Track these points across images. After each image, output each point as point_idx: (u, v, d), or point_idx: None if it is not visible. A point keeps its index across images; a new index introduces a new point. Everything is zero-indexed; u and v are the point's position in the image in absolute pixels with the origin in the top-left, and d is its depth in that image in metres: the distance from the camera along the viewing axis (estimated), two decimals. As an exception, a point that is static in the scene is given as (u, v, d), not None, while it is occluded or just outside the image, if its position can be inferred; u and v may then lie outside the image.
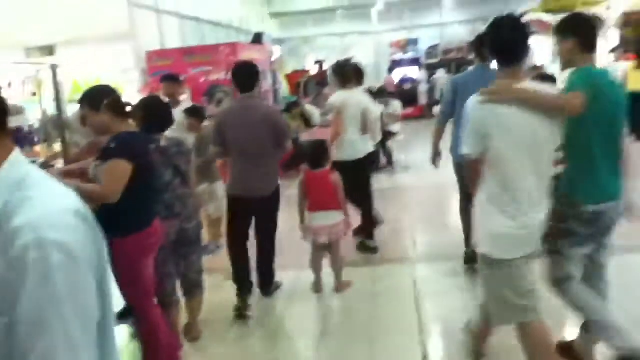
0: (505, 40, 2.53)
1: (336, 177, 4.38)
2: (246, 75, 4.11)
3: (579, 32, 2.78)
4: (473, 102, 2.55)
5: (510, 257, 2.54)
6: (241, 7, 14.75)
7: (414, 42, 18.33)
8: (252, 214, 4.19)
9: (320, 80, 13.82)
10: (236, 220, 4.19)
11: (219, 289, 4.43)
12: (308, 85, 13.48)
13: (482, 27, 12.96)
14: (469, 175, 2.79)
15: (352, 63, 6.03)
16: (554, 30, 2.91)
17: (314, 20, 19.48)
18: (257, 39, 11.61)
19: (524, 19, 11.62)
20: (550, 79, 4.90)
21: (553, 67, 11.62)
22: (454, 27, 18.81)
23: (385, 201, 6.59)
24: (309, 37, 19.55)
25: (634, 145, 7.80)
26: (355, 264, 4.91)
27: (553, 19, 11.23)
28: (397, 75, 17.72)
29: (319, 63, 15.84)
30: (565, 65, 2.87)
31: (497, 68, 2.71)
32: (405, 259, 5.11)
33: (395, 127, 9.43)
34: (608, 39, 11.52)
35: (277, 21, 19.02)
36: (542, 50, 12.14)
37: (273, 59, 11.94)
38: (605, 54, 11.42)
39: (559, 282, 2.86)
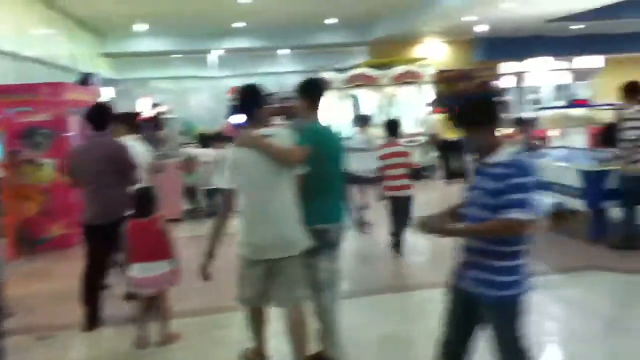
0: (242, 101, 3.53)
1: (163, 225, 4.22)
2: (98, 115, 4.81)
3: (309, 94, 3.65)
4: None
5: (250, 257, 3.42)
6: (70, 45, 13.91)
7: (251, 88, 18.76)
8: (100, 240, 4.55)
9: (154, 122, 13.42)
10: (88, 248, 4.68)
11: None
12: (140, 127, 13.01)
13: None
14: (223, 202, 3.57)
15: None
16: (297, 89, 3.67)
17: (150, 62, 19.06)
18: (84, 79, 10.98)
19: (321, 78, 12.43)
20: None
21: (380, 116, 12.60)
22: (290, 76, 19.61)
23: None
24: (143, 79, 19.04)
25: (445, 185, 8.32)
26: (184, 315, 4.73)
27: (377, 73, 12.23)
28: (235, 120, 17.89)
29: (155, 106, 15.42)
30: (300, 119, 3.70)
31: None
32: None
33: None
34: (424, 94, 12.78)
35: (110, 61, 18.25)
36: (369, 101, 13.05)
37: (102, 100, 11.35)
38: (423, 106, 12.65)
39: (312, 287, 3.54)
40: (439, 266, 3.72)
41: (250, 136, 3.36)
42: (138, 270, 4.10)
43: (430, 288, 5.12)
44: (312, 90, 3.69)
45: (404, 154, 6.53)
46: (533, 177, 2.49)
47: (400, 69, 12.31)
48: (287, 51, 19.44)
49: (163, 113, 13.17)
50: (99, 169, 4.56)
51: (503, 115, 2.48)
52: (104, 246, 4.59)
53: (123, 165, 4.69)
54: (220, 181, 6.22)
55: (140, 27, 15.93)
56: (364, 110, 13.16)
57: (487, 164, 2.55)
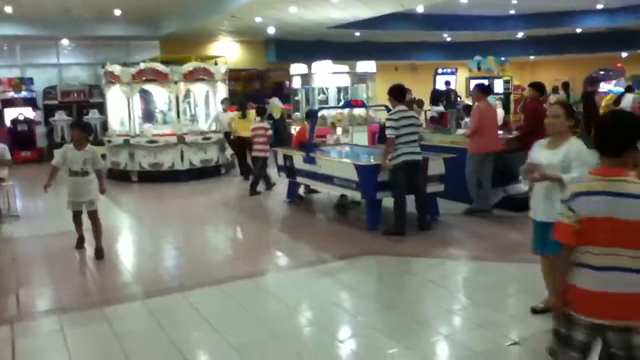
0: None
1: None
2: None
3: None
4: None
5: None
6: None
7: (28, 81, 16.95)
8: None
9: None
10: None
11: None
12: None
13: (101, 71, 12.80)
14: None
15: None
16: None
17: None
18: None
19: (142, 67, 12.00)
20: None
21: (171, 113, 12.33)
22: (72, 68, 18.10)
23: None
24: None
25: (242, 182, 8.39)
26: None
27: (169, 70, 11.94)
28: (10, 115, 16.06)
29: None
30: None
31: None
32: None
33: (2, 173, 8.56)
34: (218, 92, 12.82)
35: None
36: (160, 97, 12.69)
37: None
38: (217, 104, 12.69)
39: None
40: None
41: None
42: None
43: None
44: None
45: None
46: None
47: (192, 66, 12.16)
48: (67, 42, 17.87)
49: None
50: None
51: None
52: None
53: None
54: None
55: None
56: (157, 106, 12.84)
57: None
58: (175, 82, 11.99)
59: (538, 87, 8.10)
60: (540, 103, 8.08)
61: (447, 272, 5.70)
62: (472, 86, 22.14)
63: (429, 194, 7.21)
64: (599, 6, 17.96)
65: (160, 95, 12.63)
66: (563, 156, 3.87)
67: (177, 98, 12.08)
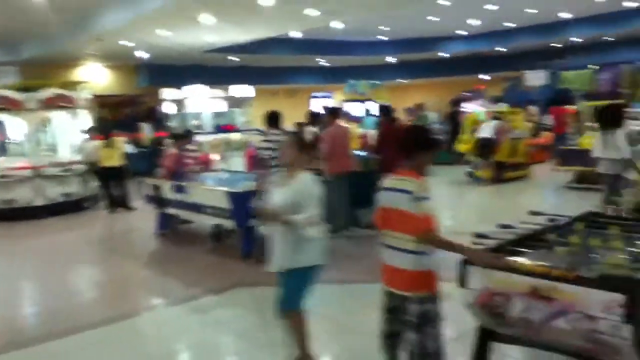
0: None
1: None
2: None
3: None
4: None
5: None
6: None
7: None
8: None
9: None
10: None
11: None
12: None
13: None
14: None
15: None
16: None
17: None
18: None
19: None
20: None
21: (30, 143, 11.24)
22: None
23: None
24: None
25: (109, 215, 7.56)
26: None
27: (24, 97, 10.93)
28: None
29: None
30: None
31: None
32: None
33: None
34: (81, 119, 11.92)
35: None
36: (13, 126, 11.57)
37: None
38: (80, 132, 11.79)
39: None
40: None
41: None
42: None
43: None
44: None
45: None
46: None
47: (50, 93, 11.21)
48: None
49: None
50: None
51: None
52: None
53: None
54: None
55: None
56: (11, 136, 11.66)
57: None
58: (32, 110, 10.97)
59: (383, 109, 8.36)
60: (387, 125, 8.25)
61: (322, 298, 5.50)
62: (345, 108, 22.77)
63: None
64: (460, 32, 19.26)
65: (16, 124, 11.48)
66: (291, 195, 3.52)
67: (34, 127, 11.04)
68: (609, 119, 6.86)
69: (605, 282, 2.51)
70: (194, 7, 10.34)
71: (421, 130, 3.33)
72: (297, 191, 3.51)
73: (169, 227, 8.64)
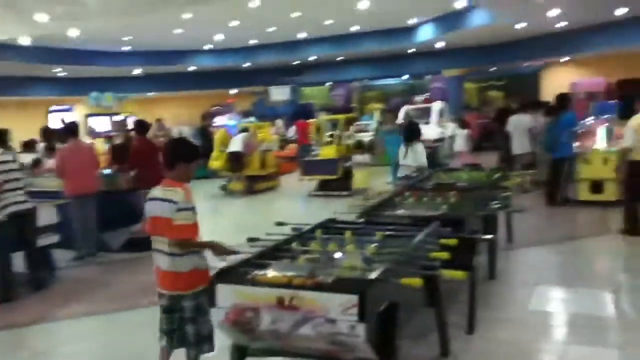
0: None
1: None
2: None
3: None
4: None
5: None
6: None
7: None
8: None
9: None
10: None
11: None
12: None
13: None
14: None
15: None
16: None
17: None
18: None
19: None
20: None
21: None
22: None
23: None
24: None
25: None
26: None
27: None
28: None
29: None
30: None
31: None
32: None
33: None
34: None
35: None
36: None
37: None
38: None
39: None
40: None
41: None
42: None
43: None
44: None
45: None
46: None
47: None
48: None
49: None
50: None
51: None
52: None
53: None
54: None
55: None
56: None
57: None
58: None
59: (138, 125, 8.10)
60: (142, 140, 7.96)
61: (64, 338, 4.95)
62: (89, 123, 21.30)
63: (41, 248, 6.30)
64: (207, 47, 19.47)
65: None
66: None
67: None
68: (408, 135, 7.42)
69: (339, 285, 2.71)
70: None
71: (183, 142, 3.67)
72: None
73: None
